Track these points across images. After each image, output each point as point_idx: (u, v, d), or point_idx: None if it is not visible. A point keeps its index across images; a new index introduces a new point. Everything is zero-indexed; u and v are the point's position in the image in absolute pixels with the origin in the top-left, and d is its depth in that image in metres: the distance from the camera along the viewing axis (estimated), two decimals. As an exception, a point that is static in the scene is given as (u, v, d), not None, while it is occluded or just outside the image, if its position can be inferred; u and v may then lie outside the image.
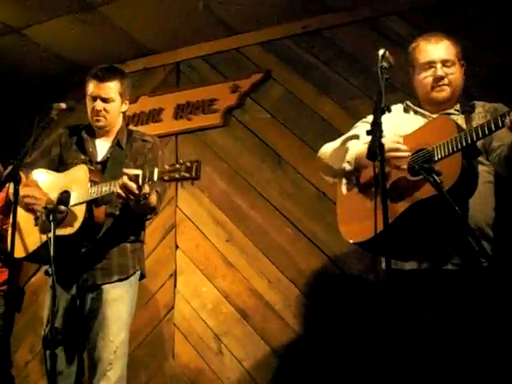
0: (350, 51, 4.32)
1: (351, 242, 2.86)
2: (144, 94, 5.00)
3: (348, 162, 2.87)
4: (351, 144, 2.92)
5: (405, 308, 2.63)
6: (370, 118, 2.98)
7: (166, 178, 2.80)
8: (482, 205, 2.67)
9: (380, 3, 4.20)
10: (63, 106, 3.20)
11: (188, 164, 2.76)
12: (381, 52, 2.53)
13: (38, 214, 3.13)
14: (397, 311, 2.23)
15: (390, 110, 2.38)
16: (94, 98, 3.32)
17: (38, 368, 4.64)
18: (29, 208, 3.17)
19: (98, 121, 3.33)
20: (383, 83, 2.45)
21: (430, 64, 2.89)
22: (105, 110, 3.32)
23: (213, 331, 4.34)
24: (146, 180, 2.85)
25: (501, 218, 2.74)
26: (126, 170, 2.92)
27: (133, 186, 2.86)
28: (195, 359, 4.35)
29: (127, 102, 3.44)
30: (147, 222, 3.47)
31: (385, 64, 2.51)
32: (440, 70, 2.86)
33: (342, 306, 3.92)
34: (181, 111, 4.78)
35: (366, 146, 2.69)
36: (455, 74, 2.89)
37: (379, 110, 2.35)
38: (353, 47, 4.30)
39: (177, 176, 2.77)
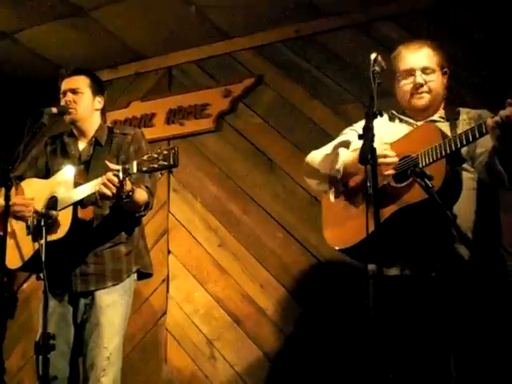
0: (342, 56, 4.32)
1: (336, 248, 2.87)
2: (136, 99, 5.00)
3: (337, 169, 2.88)
4: (341, 151, 2.92)
5: (389, 314, 2.63)
6: (357, 125, 3.01)
7: (144, 169, 2.78)
8: (465, 211, 2.66)
9: (372, 8, 4.20)
10: (54, 110, 3.21)
11: (165, 152, 2.74)
12: (373, 56, 2.53)
13: (29, 221, 3.12)
14: (382, 317, 2.23)
15: (381, 115, 2.38)
16: (64, 93, 3.35)
17: (31, 374, 4.60)
18: (17, 216, 3.16)
19: (69, 114, 3.32)
20: (375, 87, 2.45)
21: (410, 72, 2.87)
22: (74, 101, 3.32)
23: (205, 336, 4.33)
24: (126, 174, 2.83)
25: (482, 223, 2.73)
26: (107, 162, 2.91)
27: (114, 179, 2.85)
28: (188, 364, 4.35)
29: (101, 100, 3.42)
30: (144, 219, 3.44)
31: (377, 68, 2.51)
32: (419, 78, 2.85)
33: (334, 311, 3.92)
34: (173, 116, 4.78)
35: (354, 153, 2.72)
36: (435, 81, 2.87)
37: (371, 115, 2.35)
38: (345, 52, 4.30)
39: (155, 166, 2.75)
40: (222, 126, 4.65)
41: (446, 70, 2.95)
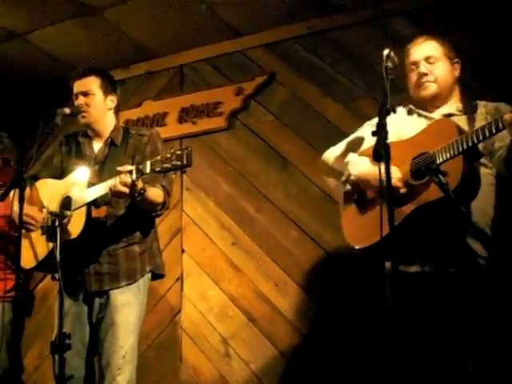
0: (354, 52, 4.30)
1: (356, 247, 2.86)
2: (148, 98, 5.00)
3: (348, 182, 2.90)
4: (351, 159, 2.93)
5: (409, 310, 2.62)
6: (376, 120, 3.00)
7: (157, 169, 2.78)
8: (483, 207, 2.66)
9: (385, 3, 4.18)
10: (67, 111, 3.20)
11: (178, 152, 2.73)
12: (385, 52, 2.52)
13: (44, 221, 3.13)
14: (401, 314, 2.22)
15: (395, 111, 2.37)
16: (76, 96, 3.34)
17: (47, 373, 4.63)
18: (24, 226, 3.15)
19: (82, 117, 3.32)
20: (388, 84, 2.44)
21: (415, 64, 2.91)
22: (86, 104, 3.31)
23: (220, 334, 4.34)
24: (139, 174, 2.83)
25: (501, 219, 2.72)
26: (119, 169, 2.91)
27: (128, 180, 2.85)
28: (203, 362, 4.35)
29: (114, 98, 3.41)
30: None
31: (390, 64, 2.50)
32: (422, 67, 2.88)
33: (349, 309, 3.91)
34: (185, 115, 4.77)
35: (366, 168, 2.74)
36: (440, 69, 2.88)
37: (384, 111, 2.34)
38: (358, 48, 4.28)
39: (169, 166, 2.74)
40: (235, 124, 4.65)
41: (456, 60, 2.95)
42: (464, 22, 3.91)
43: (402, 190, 2.65)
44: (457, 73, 2.95)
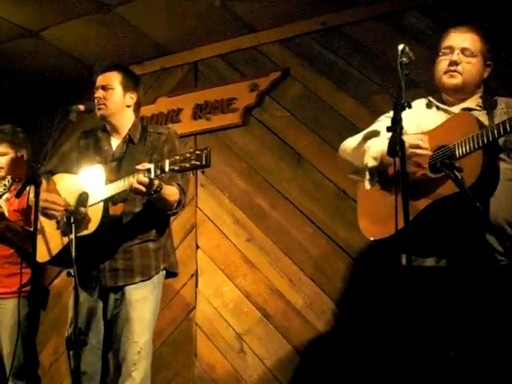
0: (369, 47, 4.27)
1: (371, 239, 2.84)
2: (162, 95, 5.00)
3: (373, 157, 2.84)
4: (372, 142, 2.90)
5: (424, 305, 2.60)
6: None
7: (176, 168, 2.79)
8: (502, 203, 2.62)
9: (399, -2, 4.17)
10: (82, 107, 3.22)
11: (198, 152, 2.74)
12: (400, 47, 2.51)
13: (59, 217, 3.15)
14: (416, 308, 2.21)
15: (410, 106, 2.35)
16: (97, 89, 3.37)
17: (63, 368, 4.67)
18: (45, 213, 3.18)
19: (99, 109, 3.33)
20: (403, 79, 2.42)
21: (450, 49, 2.86)
22: (104, 97, 3.33)
23: (235, 330, 4.34)
24: (158, 173, 2.84)
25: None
26: (138, 167, 2.92)
27: (145, 180, 2.86)
28: (217, 358, 4.36)
29: (133, 96, 3.42)
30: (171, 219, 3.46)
31: (404, 59, 2.48)
32: (455, 56, 2.83)
33: (364, 304, 3.90)
34: (199, 111, 4.77)
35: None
36: (472, 65, 2.84)
37: (399, 106, 2.32)
38: (372, 43, 4.26)
39: (188, 166, 2.75)
40: (249, 120, 4.64)
41: (489, 63, 2.91)
42: (481, 17, 3.86)
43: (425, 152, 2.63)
44: (486, 74, 2.91)
